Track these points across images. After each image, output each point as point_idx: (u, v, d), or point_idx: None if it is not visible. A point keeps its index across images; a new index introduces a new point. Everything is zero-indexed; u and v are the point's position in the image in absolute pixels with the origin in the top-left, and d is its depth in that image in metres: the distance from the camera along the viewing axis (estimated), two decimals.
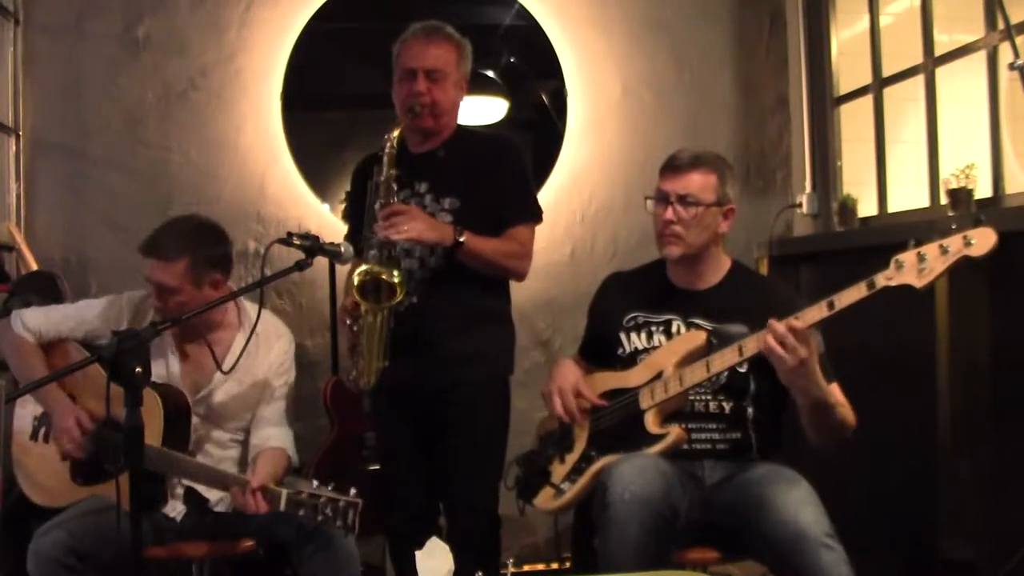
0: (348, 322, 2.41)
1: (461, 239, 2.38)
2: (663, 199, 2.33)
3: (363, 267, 2.35)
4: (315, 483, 2.18)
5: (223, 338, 2.49)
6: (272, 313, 2.64)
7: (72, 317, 2.50)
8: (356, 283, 2.34)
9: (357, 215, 2.60)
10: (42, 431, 2.48)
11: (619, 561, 1.99)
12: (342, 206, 3.27)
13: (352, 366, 2.43)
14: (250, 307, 2.52)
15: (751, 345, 2.08)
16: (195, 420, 2.42)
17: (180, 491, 2.42)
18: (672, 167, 2.35)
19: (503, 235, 2.51)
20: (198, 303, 2.31)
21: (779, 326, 1.98)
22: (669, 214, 2.31)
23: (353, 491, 2.14)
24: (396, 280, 2.32)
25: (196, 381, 2.46)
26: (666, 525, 2.03)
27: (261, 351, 2.49)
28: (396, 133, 2.41)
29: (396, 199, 2.40)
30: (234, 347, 2.46)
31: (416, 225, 2.33)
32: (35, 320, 2.47)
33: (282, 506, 2.18)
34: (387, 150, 2.39)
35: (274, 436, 2.47)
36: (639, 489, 2.01)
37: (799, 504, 2.03)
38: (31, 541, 2.21)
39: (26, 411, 2.51)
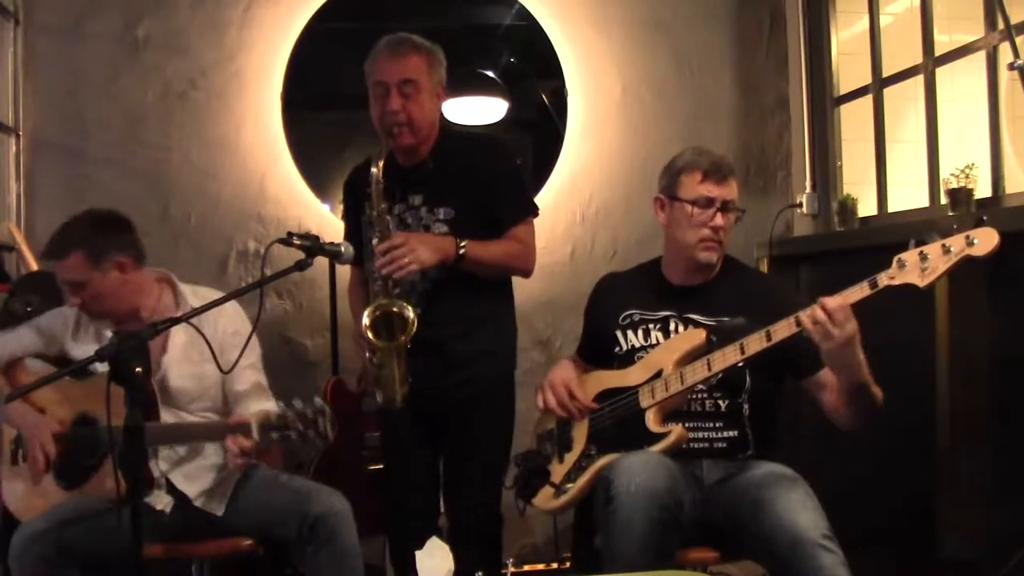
0: (367, 355, 2.43)
1: (462, 251, 2.40)
2: (709, 204, 2.31)
3: (370, 307, 2.37)
4: (280, 404, 2.20)
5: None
6: (210, 290, 2.55)
7: (19, 336, 2.51)
8: (368, 323, 2.35)
9: (353, 224, 2.61)
10: (20, 453, 2.46)
11: (623, 554, 1.98)
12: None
13: (378, 391, 2.46)
14: (188, 290, 2.50)
15: (753, 344, 2.09)
16: (163, 412, 2.38)
17: (162, 479, 2.41)
18: (716, 172, 2.32)
19: (503, 236, 2.52)
20: (110, 290, 2.35)
21: (830, 301, 1.97)
22: (720, 220, 2.30)
23: (318, 400, 2.18)
24: (409, 315, 2.35)
25: None
26: (671, 518, 2.02)
27: (205, 330, 2.33)
28: (380, 164, 2.40)
29: (391, 229, 2.40)
30: (173, 331, 2.39)
31: (417, 255, 2.33)
32: None
33: (255, 433, 2.19)
34: (373, 186, 2.39)
35: (255, 406, 2.42)
36: (644, 481, 2.01)
37: (797, 507, 2.03)
38: (14, 534, 2.22)
39: (1, 438, 2.50)
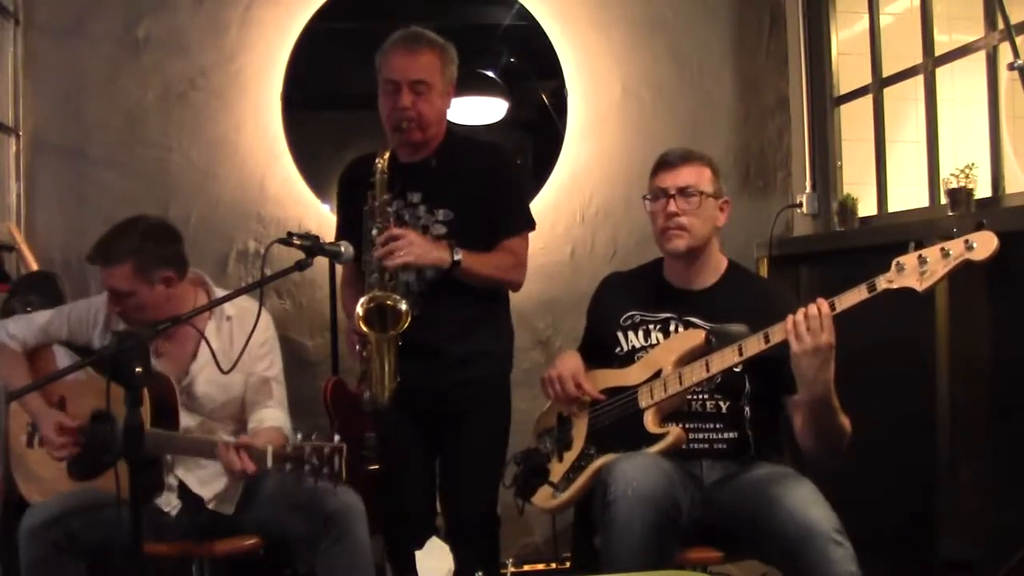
0: (358, 348, 2.42)
1: (457, 259, 2.39)
2: (662, 195, 2.33)
3: (364, 297, 2.36)
4: (299, 436, 2.19)
5: (193, 331, 2.43)
6: (248, 298, 2.50)
7: (53, 322, 2.52)
8: (361, 313, 2.34)
9: (345, 219, 2.61)
10: (36, 436, 2.48)
11: (622, 559, 1.98)
12: None
13: (366, 387, 2.44)
14: (221, 293, 2.48)
15: (752, 346, 2.08)
16: (184, 420, 2.39)
17: (174, 483, 2.41)
18: (665, 164, 2.36)
19: (497, 247, 2.52)
20: (155, 302, 2.35)
21: (812, 306, 1.97)
22: (672, 207, 2.30)
23: (337, 437, 2.14)
24: (403, 308, 2.33)
25: (174, 374, 2.43)
26: (669, 522, 2.02)
27: (236, 337, 2.44)
28: (386, 156, 2.40)
29: (391, 221, 2.40)
30: (207, 337, 2.41)
31: (413, 250, 2.33)
32: (18, 328, 2.50)
33: (268, 462, 2.18)
34: (377, 176, 2.39)
35: (269, 418, 2.45)
36: (642, 486, 2.00)
37: (808, 501, 2.03)
38: (23, 517, 2.23)
39: (20, 419, 2.51)
